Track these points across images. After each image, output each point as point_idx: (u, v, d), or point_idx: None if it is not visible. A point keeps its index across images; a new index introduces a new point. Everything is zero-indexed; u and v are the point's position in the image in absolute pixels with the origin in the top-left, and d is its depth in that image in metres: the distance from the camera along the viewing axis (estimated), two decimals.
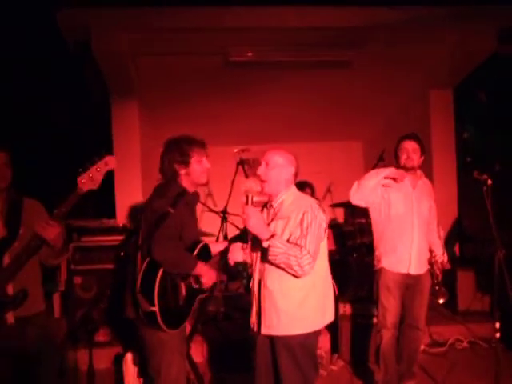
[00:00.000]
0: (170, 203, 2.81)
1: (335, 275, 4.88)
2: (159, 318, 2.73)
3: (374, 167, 5.36)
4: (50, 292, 4.94)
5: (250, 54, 5.59)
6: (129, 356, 3.52)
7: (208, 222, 5.93)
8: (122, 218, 5.78)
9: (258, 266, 2.80)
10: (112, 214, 6.02)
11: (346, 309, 4.79)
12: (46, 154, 5.95)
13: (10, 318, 2.74)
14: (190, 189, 3.00)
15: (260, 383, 2.86)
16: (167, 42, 5.35)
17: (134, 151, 6.05)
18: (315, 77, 6.16)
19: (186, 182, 2.99)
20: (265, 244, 2.59)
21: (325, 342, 4.70)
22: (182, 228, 2.88)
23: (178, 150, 2.97)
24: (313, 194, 5.80)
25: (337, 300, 4.64)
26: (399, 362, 3.90)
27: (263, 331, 2.77)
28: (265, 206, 2.96)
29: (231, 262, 2.88)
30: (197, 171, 2.99)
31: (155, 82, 6.05)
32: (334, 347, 4.75)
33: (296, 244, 2.61)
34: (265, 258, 2.67)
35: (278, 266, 2.65)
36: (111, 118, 6.01)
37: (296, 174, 2.87)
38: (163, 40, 5.29)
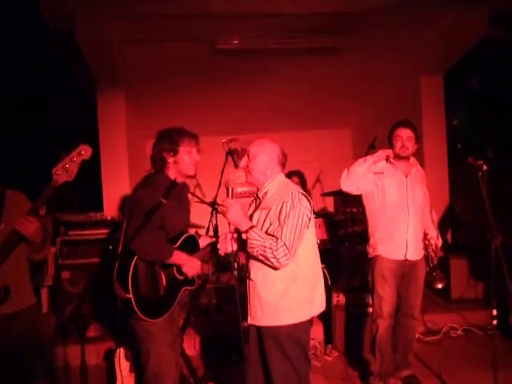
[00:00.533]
0: (163, 194, 2.81)
1: (328, 265, 4.96)
2: (135, 306, 2.78)
3: (366, 155, 5.35)
4: (38, 286, 4.89)
5: (236, 41, 5.57)
6: (121, 351, 3.48)
7: (198, 214, 5.87)
8: (109, 210, 5.72)
9: (246, 257, 2.82)
10: (100, 206, 5.97)
11: (340, 299, 4.78)
12: (28, 145, 5.85)
13: None
14: (178, 179, 2.98)
15: (250, 375, 2.85)
16: (153, 29, 5.28)
17: (121, 142, 6.02)
18: (303, 64, 6.12)
19: (173, 172, 3.01)
20: (244, 236, 2.64)
21: (318, 333, 4.72)
22: (165, 218, 2.90)
23: (167, 139, 3.00)
24: (302, 183, 5.79)
25: (330, 290, 4.74)
26: (395, 351, 3.91)
27: (250, 321, 2.79)
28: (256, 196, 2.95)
29: (221, 251, 2.85)
30: (185, 161, 3.02)
31: (141, 70, 5.98)
32: (328, 338, 4.75)
33: (273, 235, 2.60)
34: (245, 249, 2.69)
35: (255, 258, 2.67)
36: (97, 108, 5.95)
37: (280, 162, 2.84)
38: (149, 27, 5.22)
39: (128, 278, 2.78)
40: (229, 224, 2.78)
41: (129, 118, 6.16)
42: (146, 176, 3.06)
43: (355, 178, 3.69)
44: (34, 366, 2.75)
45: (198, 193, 7.55)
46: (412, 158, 3.86)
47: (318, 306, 2.82)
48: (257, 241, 2.59)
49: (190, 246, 3.10)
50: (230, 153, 5.69)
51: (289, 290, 2.69)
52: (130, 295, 2.77)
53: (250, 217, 2.83)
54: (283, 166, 2.87)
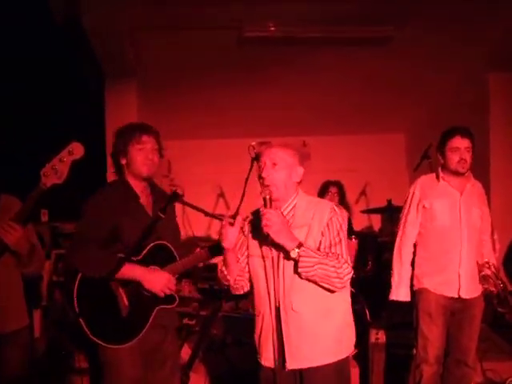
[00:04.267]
0: (161, 208, 2.87)
1: (367, 296, 4.85)
2: (86, 330, 2.76)
3: (418, 167, 5.25)
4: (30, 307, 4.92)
5: (268, 28, 5.53)
6: None
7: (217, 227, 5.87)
8: None
9: (274, 283, 2.66)
10: None
11: (380, 336, 4.68)
12: (27, 145, 5.94)
13: None
14: (135, 184, 3.03)
15: None
16: (170, 15, 5.30)
17: None
18: (348, 57, 6.09)
19: (129, 176, 3.03)
20: (293, 254, 2.54)
21: (354, 377, 4.59)
22: (118, 228, 2.88)
23: (119, 138, 3.02)
24: (341, 196, 5.72)
25: (368, 326, 4.63)
26: None
27: (291, 366, 2.66)
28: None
29: (225, 243, 2.70)
30: (136, 161, 2.98)
31: (156, 62, 6.05)
32: (365, 383, 4.63)
33: (329, 252, 2.61)
34: (294, 270, 2.62)
35: (308, 280, 2.61)
36: (104, 104, 6.05)
37: (302, 173, 2.83)
38: (165, 12, 5.23)
39: (73, 299, 2.76)
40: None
41: (141, 116, 6.18)
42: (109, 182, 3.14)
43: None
44: None
45: (221, 203, 7.59)
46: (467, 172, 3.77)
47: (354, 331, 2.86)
48: (314, 258, 2.54)
49: (163, 257, 3.01)
50: (257, 158, 5.64)
51: (340, 316, 2.73)
52: (80, 318, 2.75)
53: None
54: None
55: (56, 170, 2.49)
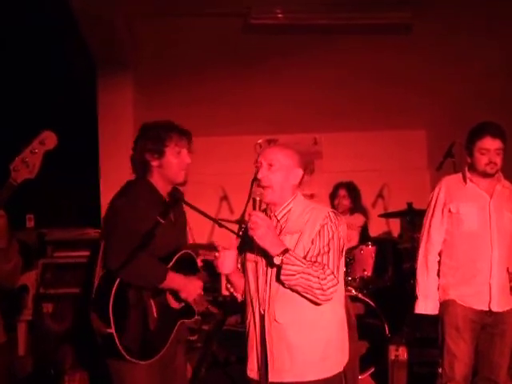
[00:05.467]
0: (161, 212, 2.88)
1: (386, 309, 4.81)
2: (117, 343, 2.76)
3: (441, 166, 5.19)
4: (13, 323, 4.90)
5: (276, 15, 5.53)
6: None
7: (223, 233, 5.85)
8: None
9: (260, 290, 2.75)
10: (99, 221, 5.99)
11: (400, 353, 4.68)
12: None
13: None
14: (162, 187, 3.04)
15: None
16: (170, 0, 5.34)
17: (126, 140, 5.95)
18: (362, 47, 6.10)
19: (158, 178, 3.02)
20: (277, 260, 2.56)
21: None
22: (150, 234, 2.89)
23: (151, 136, 2.99)
24: (353, 198, 5.69)
25: (387, 342, 4.60)
26: None
27: (271, 378, 2.69)
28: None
29: (224, 270, 2.78)
30: (172, 165, 2.99)
31: (155, 52, 6.06)
32: None
33: (315, 262, 2.60)
34: (276, 277, 2.64)
35: (291, 289, 2.62)
36: (97, 98, 6.01)
37: (303, 176, 2.87)
38: None
39: (109, 308, 2.75)
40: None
41: (137, 110, 6.21)
42: (125, 183, 3.08)
43: None
44: None
45: (224, 207, 7.54)
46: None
47: (347, 351, 2.83)
48: (297, 266, 2.53)
49: (186, 267, 3.09)
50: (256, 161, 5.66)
51: (327, 332, 2.71)
52: (112, 330, 2.75)
53: None
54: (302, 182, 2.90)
55: (27, 164, 2.42)
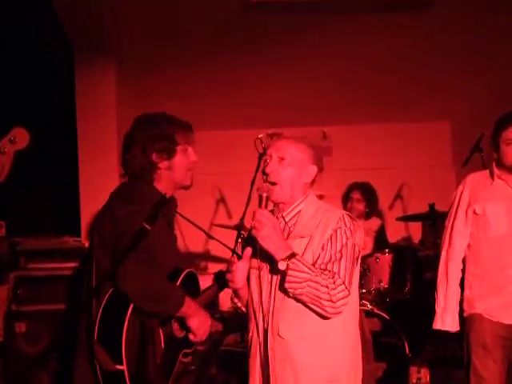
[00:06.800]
0: (147, 216, 2.74)
1: (405, 325, 4.82)
2: (128, 382, 2.71)
3: (467, 162, 5.22)
4: None
5: None
6: None
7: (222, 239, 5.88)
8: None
9: (263, 301, 2.76)
10: (78, 230, 6.03)
11: (423, 375, 4.71)
12: None
13: None
14: (168, 192, 3.00)
15: None
16: None
17: (109, 134, 6.04)
18: (380, 26, 6.09)
19: (164, 182, 2.99)
20: (281, 265, 2.56)
21: None
22: (157, 249, 2.87)
23: (157, 134, 2.96)
24: (368, 201, 5.71)
25: (408, 362, 4.61)
26: None
27: None
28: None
29: (237, 284, 2.80)
30: (182, 166, 3.00)
31: (141, 32, 6.05)
32: None
33: (325, 270, 2.61)
34: (280, 286, 2.66)
35: (296, 300, 2.64)
36: (75, 90, 6.01)
37: (317, 174, 2.88)
38: None
39: (121, 341, 2.70)
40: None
41: (121, 100, 6.21)
42: (125, 186, 3.05)
43: None
44: None
45: (221, 210, 7.57)
46: None
47: (361, 372, 2.83)
48: (305, 273, 2.54)
49: (190, 287, 3.06)
50: (265, 154, 5.66)
51: (336, 350, 2.71)
52: (123, 366, 2.70)
53: None
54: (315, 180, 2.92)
55: None
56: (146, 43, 6.14)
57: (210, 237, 4.03)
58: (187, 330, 2.96)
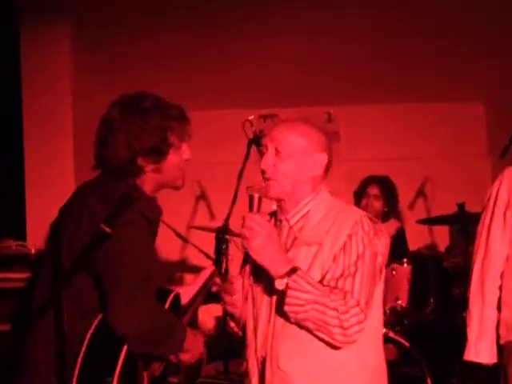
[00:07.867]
0: (106, 217, 2.68)
1: (428, 352, 4.78)
2: None
3: (505, 152, 5.19)
4: None
5: None
6: None
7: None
8: (36, 238, 5.69)
9: (260, 327, 2.76)
10: (22, 232, 6.05)
11: None
12: None
13: None
14: (154, 194, 3.04)
15: None
16: None
17: (62, 116, 6.06)
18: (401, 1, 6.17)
19: (149, 184, 2.98)
20: (279, 284, 2.53)
21: None
22: (151, 267, 2.90)
23: (145, 129, 2.88)
24: (387, 198, 5.70)
25: None
26: None
27: None
28: (271, 219, 2.96)
29: (236, 308, 2.86)
30: (173, 167, 2.97)
31: None
32: None
33: (335, 287, 2.55)
34: (278, 309, 2.65)
35: (299, 326, 2.61)
36: (19, 55, 5.99)
37: (328, 166, 2.83)
38: None
39: None
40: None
41: (78, 72, 6.21)
42: (100, 182, 2.97)
43: None
44: None
45: (202, 210, 7.55)
46: None
47: None
48: (308, 293, 2.50)
49: (177, 310, 3.10)
50: (256, 140, 5.62)
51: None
52: None
53: None
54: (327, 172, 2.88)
55: None
56: (112, 5, 6.09)
57: (186, 242, 3.99)
58: (166, 364, 3.03)
